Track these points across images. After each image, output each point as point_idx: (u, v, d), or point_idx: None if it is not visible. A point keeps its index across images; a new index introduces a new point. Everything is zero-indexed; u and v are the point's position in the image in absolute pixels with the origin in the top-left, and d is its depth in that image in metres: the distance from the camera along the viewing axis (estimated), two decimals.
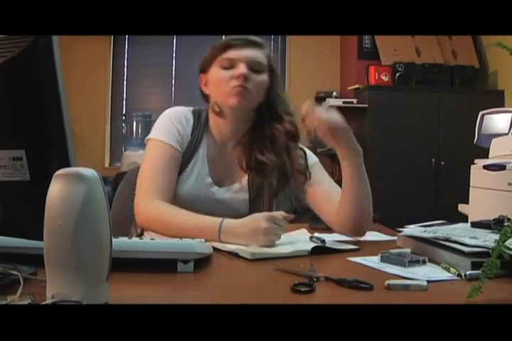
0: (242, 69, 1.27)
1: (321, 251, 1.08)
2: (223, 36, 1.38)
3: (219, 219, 1.15)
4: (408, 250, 1.03)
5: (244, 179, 1.37)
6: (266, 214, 1.14)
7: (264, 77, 1.32)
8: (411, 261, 0.95)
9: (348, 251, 1.12)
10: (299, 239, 1.20)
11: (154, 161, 1.30)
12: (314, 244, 1.10)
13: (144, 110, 4.64)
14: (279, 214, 1.14)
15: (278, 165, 1.34)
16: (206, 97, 1.40)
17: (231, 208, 1.34)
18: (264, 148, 1.35)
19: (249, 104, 1.32)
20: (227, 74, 1.29)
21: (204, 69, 1.36)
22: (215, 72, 1.31)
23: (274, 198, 1.36)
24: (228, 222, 1.15)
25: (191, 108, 1.42)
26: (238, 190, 1.36)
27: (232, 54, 1.29)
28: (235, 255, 1.04)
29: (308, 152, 1.44)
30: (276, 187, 1.34)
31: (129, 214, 1.34)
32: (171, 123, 1.34)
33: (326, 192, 1.34)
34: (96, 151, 4.54)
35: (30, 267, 0.78)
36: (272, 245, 1.11)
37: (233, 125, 1.37)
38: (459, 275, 0.87)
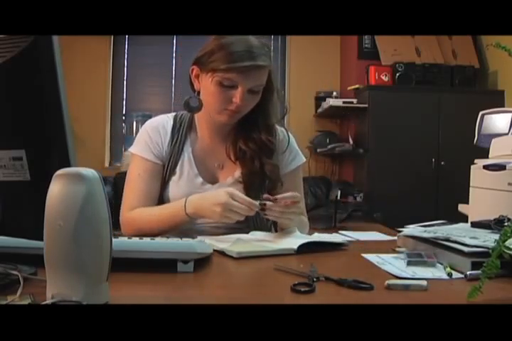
0: (239, 97, 1.25)
1: (308, 249, 1.08)
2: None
3: (183, 199, 1.24)
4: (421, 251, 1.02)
5: (237, 172, 1.38)
6: (228, 189, 1.18)
7: (258, 96, 1.31)
8: (411, 261, 0.95)
9: (336, 248, 1.13)
10: (288, 237, 1.20)
11: (130, 176, 1.38)
12: (301, 243, 1.09)
13: (144, 110, 4.63)
14: (241, 195, 1.16)
15: (259, 153, 1.37)
16: (195, 90, 1.37)
17: None
18: (247, 138, 1.37)
19: (237, 120, 1.34)
20: (223, 94, 1.27)
21: (201, 65, 1.30)
22: (211, 85, 1.27)
23: (265, 186, 1.37)
24: (192, 196, 1.23)
25: (174, 113, 1.45)
26: (232, 184, 1.37)
27: (236, 76, 1.24)
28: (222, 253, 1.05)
29: (295, 152, 1.46)
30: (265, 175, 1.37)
31: None
32: (146, 137, 1.39)
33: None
34: (96, 151, 4.53)
35: (30, 267, 0.78)
36: (228, 222, 1.17)
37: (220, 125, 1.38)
38: (449, 274, 0.87)
